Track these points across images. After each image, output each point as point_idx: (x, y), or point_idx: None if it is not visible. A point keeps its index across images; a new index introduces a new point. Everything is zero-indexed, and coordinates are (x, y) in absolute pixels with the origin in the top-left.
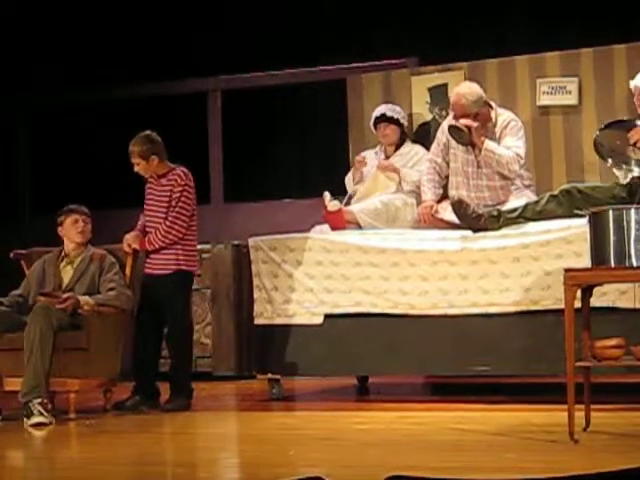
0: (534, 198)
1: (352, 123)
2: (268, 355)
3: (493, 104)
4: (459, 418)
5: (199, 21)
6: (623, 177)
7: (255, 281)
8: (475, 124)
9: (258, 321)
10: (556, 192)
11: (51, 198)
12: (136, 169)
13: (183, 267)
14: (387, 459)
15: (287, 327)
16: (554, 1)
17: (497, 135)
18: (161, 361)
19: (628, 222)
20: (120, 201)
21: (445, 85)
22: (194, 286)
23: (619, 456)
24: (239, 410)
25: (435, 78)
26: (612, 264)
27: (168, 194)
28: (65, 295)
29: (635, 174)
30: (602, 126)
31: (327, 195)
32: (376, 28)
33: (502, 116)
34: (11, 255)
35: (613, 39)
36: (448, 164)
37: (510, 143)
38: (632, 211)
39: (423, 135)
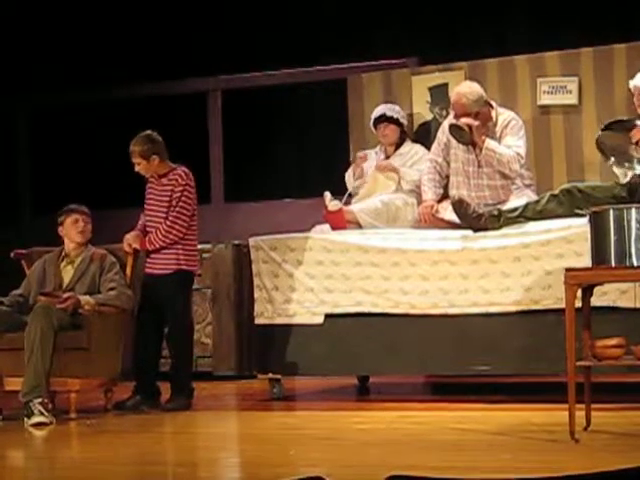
0: (535, 197)
1: (352, 123)
2: (269, 355)
3: (494, 103)
4: (459, 418)
5: (199, 21)
6: (623, 176)
7: (256, 281)
8: (476, 123)
9: (259, 321)
10: (557, 191)
11: (51, 198)
12: (137, 169)
13: (184, 267)
14: (387, 459)
15: (288, 327)
16: (554, 1)
17: (498, 134)
18: (162, 361)
19: (629, 222)
20: (120, 201)
21: (445, 85)
22: (195, 286)
23: (620, 456)
24: (240, 410)
25: (435, 78)
26: (613, 264)
27: (169, 194)
28: (66, 295)
29: (637, 172)
30: (603, 126)
31: (328, 195)
32: (376, 28)
33: (503, 115)
34: (11, 255)
35: (613, 39)
36: (449, 164)
37: (511, 142)
38: (632, 210)
39: (423, 135)
